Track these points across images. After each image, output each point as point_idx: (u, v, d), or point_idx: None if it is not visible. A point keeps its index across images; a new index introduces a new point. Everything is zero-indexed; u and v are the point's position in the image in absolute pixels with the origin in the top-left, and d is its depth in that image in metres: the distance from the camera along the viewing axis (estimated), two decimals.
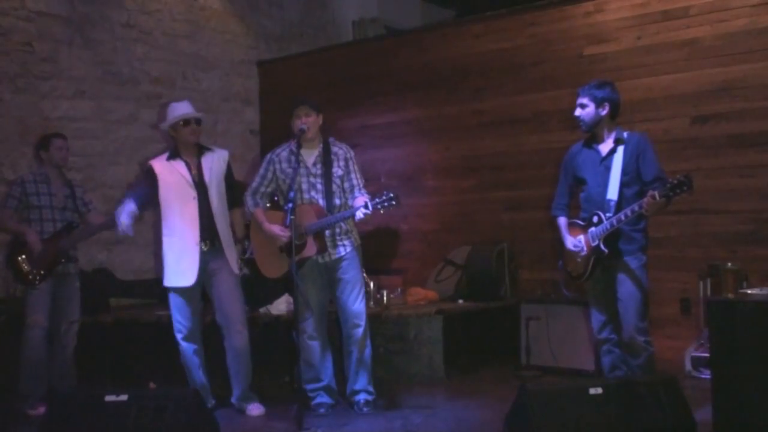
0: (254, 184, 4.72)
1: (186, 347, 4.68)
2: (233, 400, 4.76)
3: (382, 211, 4.23)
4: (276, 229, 4.53)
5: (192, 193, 4.60)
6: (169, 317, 4.75)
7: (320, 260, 4.58)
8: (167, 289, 4.68)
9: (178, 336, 4.69)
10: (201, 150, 4.73)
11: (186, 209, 4.59)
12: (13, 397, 4.93)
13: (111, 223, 4.88)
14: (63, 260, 4.99)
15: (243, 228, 4.94)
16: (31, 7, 6.42)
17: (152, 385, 5.03)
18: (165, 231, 4.64)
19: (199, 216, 4.59)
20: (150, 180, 4.69)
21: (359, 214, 4.24)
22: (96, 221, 5.14)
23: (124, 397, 3.80)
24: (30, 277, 4.87)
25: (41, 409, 4.75)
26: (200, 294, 4.74)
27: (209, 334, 4.87)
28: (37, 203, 4.96)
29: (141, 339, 5.72)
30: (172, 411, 3.73)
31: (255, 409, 4.69)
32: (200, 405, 3.96)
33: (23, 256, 4.89)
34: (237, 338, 4.66)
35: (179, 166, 4.65)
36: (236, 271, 4.73)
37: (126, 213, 4.54)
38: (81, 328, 5.21)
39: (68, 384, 5.03)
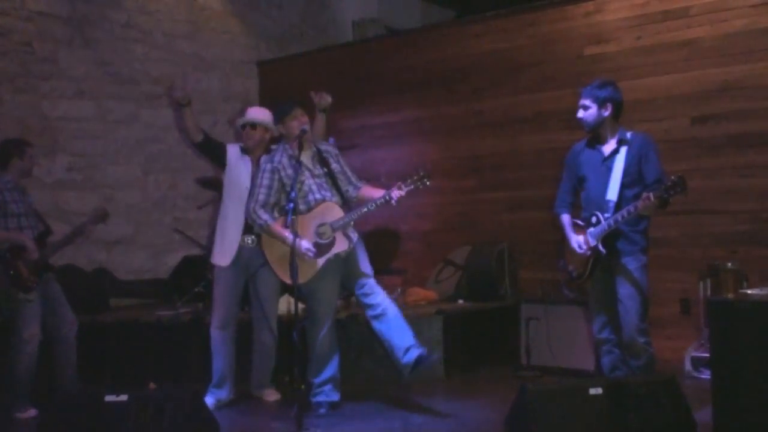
0: (261, 198, 4.57)
1: (219, 335, 4.86)
2: (252, 387, 5.08)
3: (416, 189, 4.37)
4: (304, 244, 4.41)
5: (247, 184, 4.84)
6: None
7: (343, 255, 4.58)
8: (214, 274, 4.93)
9: (214, 325, 4.86)
10: (262, 151, 4.94)
11: (241, 199, 4.82)
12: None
13: (78, 233, 5.02)
14: (48, 269, 4.95)
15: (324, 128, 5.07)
16: (31, 7, 6.42)
17: (152, 385, 5.04)
18: (221, 213, 4.95)
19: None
20: (222, 151, 4.94)
21: (395, 195, 4.33)
22: (57, 237, 5.05)
23: (124, 397, 3.80)
24: (29, 284, 4.77)
25: (31, 412, 4.75)
26: (243, 289, 4.95)
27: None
28: (16, 211, 4.82)
29: (141, 339, 5.72)
30: (172, 411, 3.73)
31: (272, 395, 5.06)
32: (200, 405, 3.97)
33: (22, 262, 4.75)
34: (270, 336, 4.97)
35: (246, 160, 4.94)
36: None
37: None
38: (81, 328, 5.19)
39: (77, 387, 4.98)
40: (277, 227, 4.50)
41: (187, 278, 6.32)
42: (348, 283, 4.70)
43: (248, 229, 4.79)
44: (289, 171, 4.58)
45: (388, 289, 6.11)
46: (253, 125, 4.92)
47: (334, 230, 4.48)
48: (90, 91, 6.80)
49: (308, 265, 4.45)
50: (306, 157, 4.62)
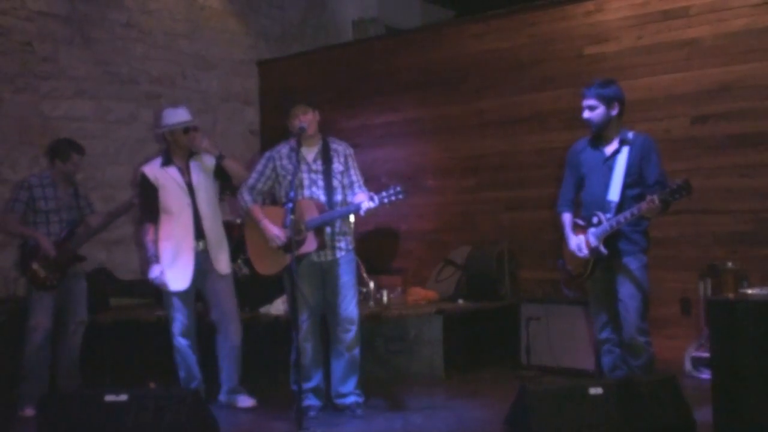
0: (251, 181, 4.66)
1: (183, 342, 4.76)
2: (222, 395, 4.87)
3: (388, 205, 4.24)
4: (275, 230, 4.49)
5: (187, 200, 4.72)
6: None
7: (316, 259, 4.54)
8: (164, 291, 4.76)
9: (175, 333, 4.76)
10: (190, 154, 4.83)
11: (182, 215, 4.70)
12: (13, 397, 4.90)
13: (109, 222, 5.10)
14: (75, 261, 5.00)
15: (239, 168, 4.87)
16: (31, 7, 6.42)
17: (152, 385, 5.03)
18: (161, 235, 4.71)
19: (193, 221, 4.70)
20: (151, 190, 4.73)
21: (365, 206, 4.23)
22: (94, 222, 5.07)
23: (124, 397, 3.80)
24: (48, 282, 4.82)
25: (29, 411, 4.75)
26: (195, 294, 4.82)
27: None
28: (44, 207, 4.89)
29: (141, 339, 5.72)
30: (172, 411, 3.73)
31: (246, 401, 4.83)
32: (200, 405, 3.96)
33: (38, 262, 4.80)
34: (234, 335, 4.83)
35: (173, 172, 4.75)
36: (227, 270, 4.84)
37: (158, 268, 4.62)
38: None
39: (75, 384, 5.01)
40: (256, 211, 4.59)
41: None
42: (326, 300, 4.64)
43: (198, 234, 4.70)
44: (285, 161, 4.58)
45: (389, 289, 6.15)
46: (196, 128, 4.81)
47: (307, 229, 4.45)
48: (90, 91, 6.80)
49: (276, 256, 4.49)
50: (309, 153, 4.60)
